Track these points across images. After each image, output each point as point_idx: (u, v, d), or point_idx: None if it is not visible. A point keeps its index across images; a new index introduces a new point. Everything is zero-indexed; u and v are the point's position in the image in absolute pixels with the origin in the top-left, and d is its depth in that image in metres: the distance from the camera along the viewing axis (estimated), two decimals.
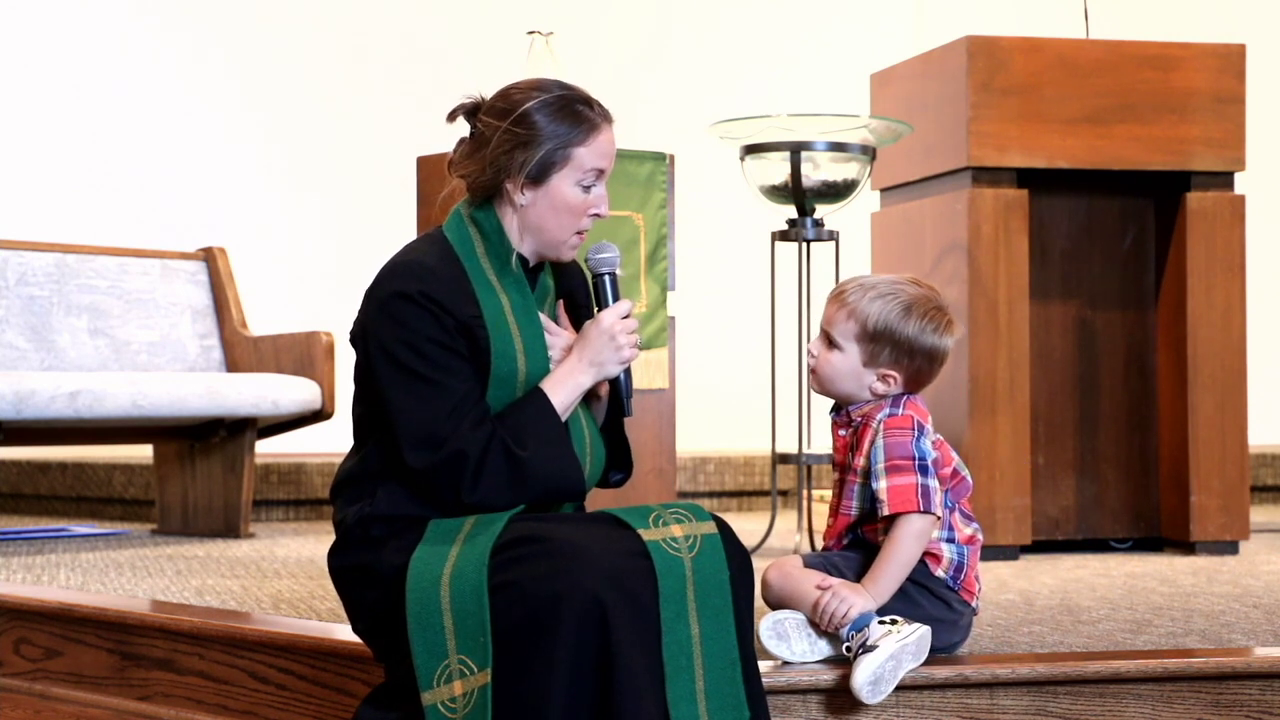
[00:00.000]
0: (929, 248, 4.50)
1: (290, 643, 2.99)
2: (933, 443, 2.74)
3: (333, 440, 5.16)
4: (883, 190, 4.86)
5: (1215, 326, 4.45)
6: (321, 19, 7.27)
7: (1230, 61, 4.47)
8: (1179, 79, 4.43)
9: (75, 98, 6.95)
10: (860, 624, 2.61)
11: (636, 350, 2.57)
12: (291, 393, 4.90)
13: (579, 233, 2.57)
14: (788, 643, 2.68)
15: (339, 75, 7.23)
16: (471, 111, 2.58)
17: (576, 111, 2.53)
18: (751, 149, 4.39)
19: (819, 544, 4.14)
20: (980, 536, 2.82)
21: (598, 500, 2.81)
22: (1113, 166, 4.41)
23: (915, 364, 2.75)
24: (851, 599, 2.63)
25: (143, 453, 5.95)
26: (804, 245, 4.45)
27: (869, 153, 4.38)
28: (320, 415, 5.08)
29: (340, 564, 2.56)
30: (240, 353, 5.26)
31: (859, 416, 2.79)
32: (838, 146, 4.33)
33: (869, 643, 2.58)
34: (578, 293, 2.71)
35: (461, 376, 2.47)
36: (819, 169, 4.35)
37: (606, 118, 2.57)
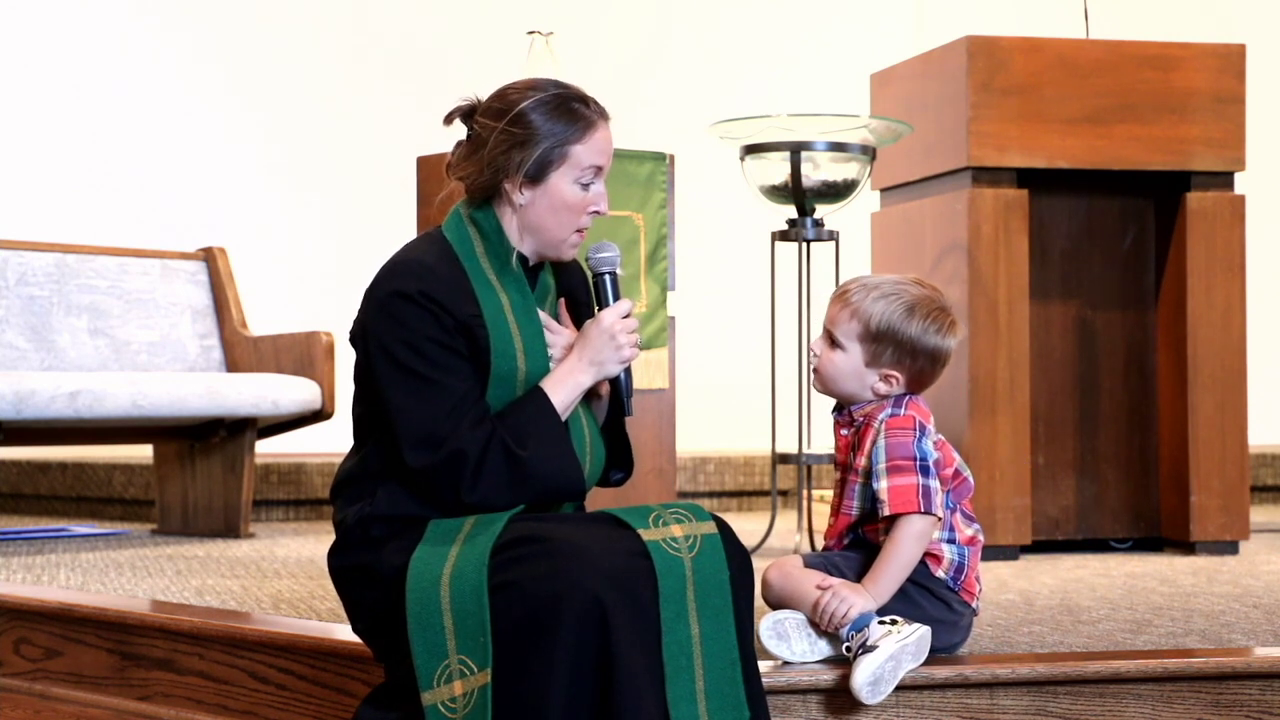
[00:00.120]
0: (929, 248, 4.50)
1: (290, 643, 2.99)
2: (934, 443, 2.74)
3: (333, 440, 5.16)
4: (883, 190, 4.85)
5: (1215, 326, 4.45)
6: (321, 19, 7.27)
7: (1230, 61, 4.47)
8: (1179, 79, 4.43)
9: (75, 98, 6.95)
10: (860, 624, 2.61)
11: (637, 350, 2.57)
12: (291, 393, 4.90)
13: (579, 230, 2.57)
14: (788, 643, 2.68)
15: (339, 75, 7.23)
16: (468, 114, 2.58)
17: (573, 109, 2.53)
18: (751, 149, 4.39)
19: (819, 544, 4.14)
20: (981, 538, 2.82)
21: (598, 500, 2.81)
22: (1113, 166, 4.41)
23: (918, 364, 2.75)
24: (851, 599, 2.62)
25: (143, 453, 5.95)
26: (804, 245, 4.45)
27: (869, 153, 4.38)
28: (320, 415, 5.08)
29: (340, 564, 2.56)
30: (240, 353, 5.26)
31: (861, 416, 2.79)
32: (838, 146, 4.33)
33: (869, 643, 2.58)
34: (578, 291, 2.70)
35: (461, 376, 2.47)
36: (819, 169, 4.35)
37: (603, 115, 2.57)
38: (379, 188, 6.64)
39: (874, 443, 2.73)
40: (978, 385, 4.30)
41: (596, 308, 2.62)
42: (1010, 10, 7.06)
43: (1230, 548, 4.43)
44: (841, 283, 2.83)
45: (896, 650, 2.58)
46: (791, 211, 4.43)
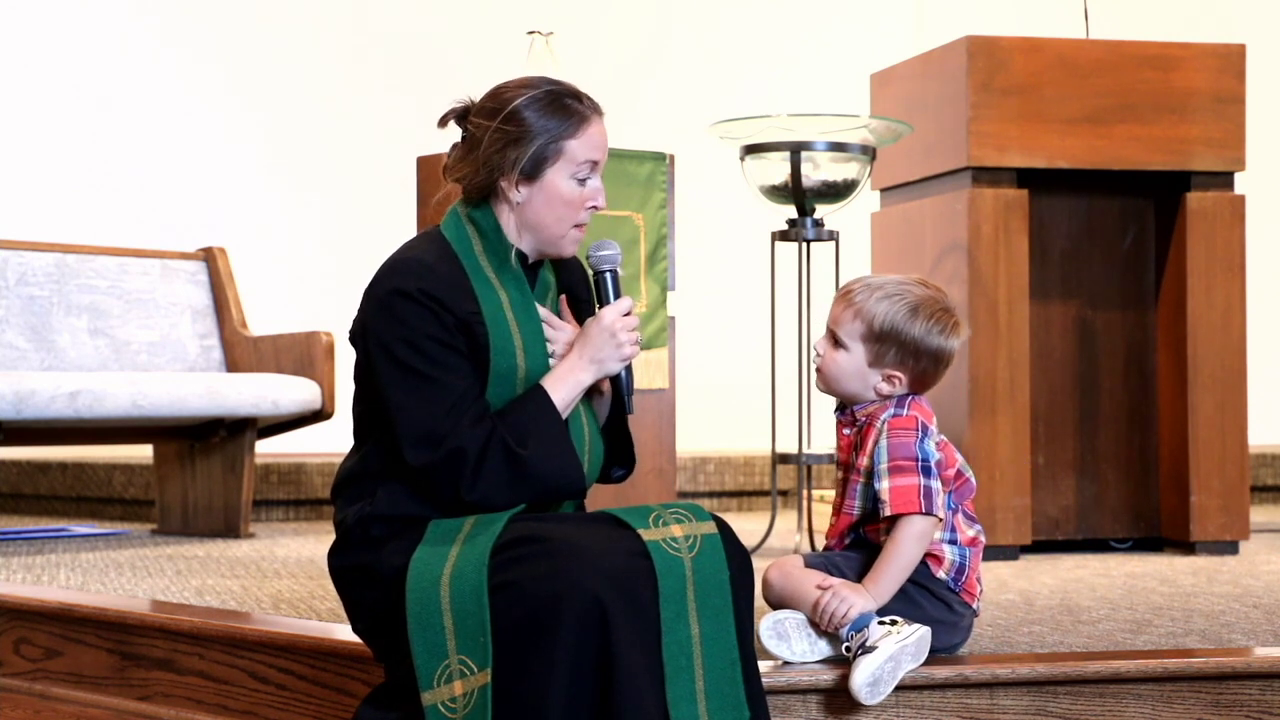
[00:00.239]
0: (929, 248, 4.50)
1: (290, 643, 2.99)
2: (937, 444, 2.74)
3: (333, 440, 5.16)
4: (883, 190, 4.85)
5: (1215, 326, 4.45)
6: (321, 19, 7.27)
7: (1230, 61, 4.47)
8: (1179, 79, 4.43)
9: (75, 98, 6.95)
10: (860, 624, 2.61)
11: (638, 348, 2.57)
12: (291, 393, 4.90)
13: (578, 226, 2.57)
14: (788, 643, 2.68)
15: (339, 75, 7.23)
16: (462, 115, 2.59)
17: (566, 105, 2.53)
18: (751, 149, 4.39)
19: (819, 544, 4.14)
20: (983, 539, 2.82)
21: (598, 500, 2.81)
22: (1113, 166, 4.41)
23: (921, 365, 2.75)
24: (851, 599, 2.62)
25: (143, 453, 5.95)
26: (804, 245, 4.45)
27: (869, 153, 4.38)
28: (320, 415, 5.08)
29: (340, 564, 2.56)
30: (240, 353, 5.26)
31: (863, 416, 2.79)
32: (838, 146, 4.33)
33: (868, 643, 2.58)
34: (578, 288, 2.70)
35: (461, 374, 2.47)
36: (819, 169, 4.35)
37: (596, 110, 2.57)
38: (379, 188, 6.64)
39: (876, 443, 2.73)
40: (978, 385, 4.30)
41: (597, 305, 2.62)
42: (1010, 10, 7.06)
43: (1230, 548, 4.43)
44: (845, 282, 2.83)
45: (896, 651, 2.58)
46: (791, 211, 4.43)
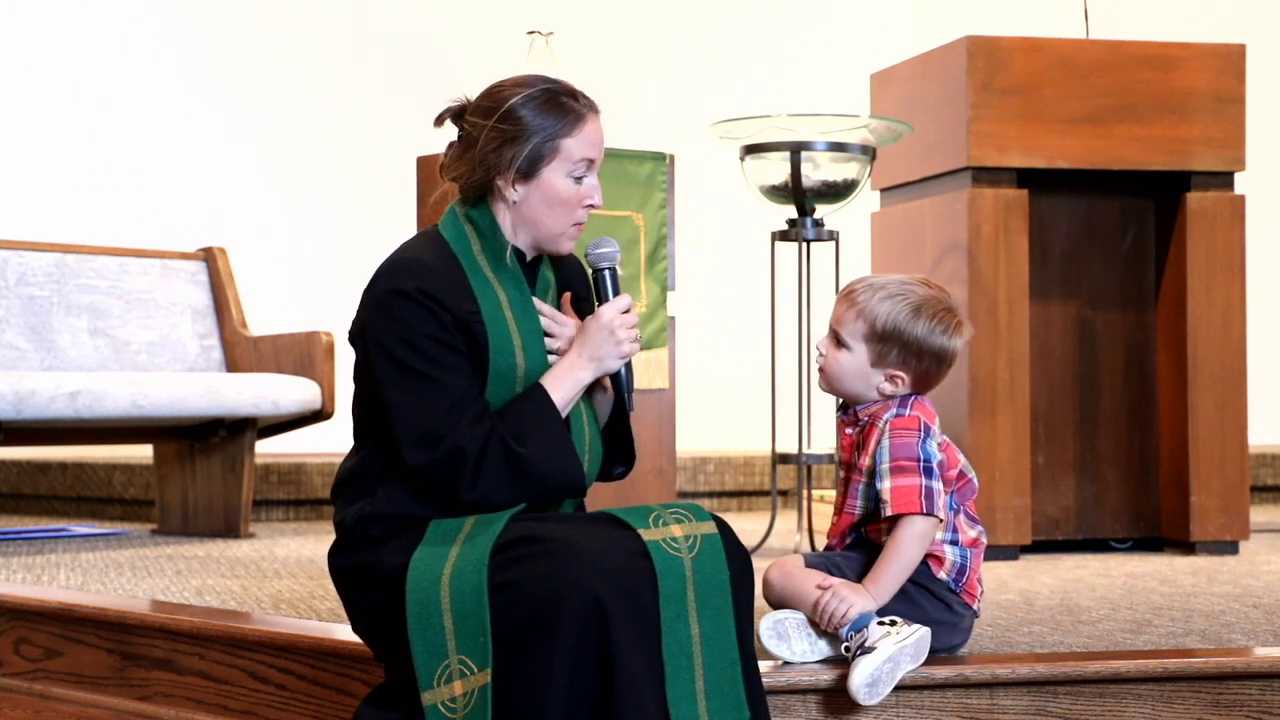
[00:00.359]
0: (929, 248, 4.50)
1: (290, 643, 2.99)
2: (939, 444, 2.74)
3: (333, 440, 5.16)
4: (883, 190, 4.85)
5: (1215, 326, 4.45)
6: (321, 19, 7.27)
7: (1230, 61, 4.47)
8: (1179, 79, 4.43)
9: (75, 98, 6.95)
10: (860, 624, 2.61)
11: (637, 345, 2.57)
12: (291, 393, 4.90)
13: (575, 224, 2.57)
14: (788, 643, 2.68)
15: (339, 75, 7.23)
16: (458, 114, 2.59)
17: (562, 104, 2.53)
18: (751, 149, 4.39)
19: (819, 544, 4.14)
20: (984, 539, 2.82)
21: (598, 499, 2.81)
22: (1113, 166, 4.41)
23: (923, 365, 2.75)
24: (851, 599, 2.62)
25: (143, 453, 5.95)
26: (804, 245, 4.45)
27: (869, 153, 4.38)
28: (320, 415, 5.08)
29: (340, 564, 2.56)
30: (240, 353, 5.26)
31: (866, 416, 2.79)
32: (838, 146, 4.33)
33: (867, 644, 2.58)
34: (578, 286, 2.70)
35: (460, 373, 2.47)
36: (819, 169, 4.35)
37: (592, 108, 2.57)
38: (379, 188, 6.64)
39: (878, 443, 2.73)
40: (978, 385, 4.30)
41: (596, 303, 2.62)
42: (1010, 10, 7.06)
43: (1230, 548, 4.43)
44: (848, 282, 2.83)
45: (895, 652, 2.58)
46: (791, 211, 4.43)
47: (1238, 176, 4.51)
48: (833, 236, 4.44)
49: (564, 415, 2.52)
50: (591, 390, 2.60)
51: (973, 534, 2.79)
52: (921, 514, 2.66)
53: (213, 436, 5.04)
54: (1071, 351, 4.54)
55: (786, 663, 2.67)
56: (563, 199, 2.54)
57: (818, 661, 2.68)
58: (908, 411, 2.75)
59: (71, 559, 4.38)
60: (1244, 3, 7.59)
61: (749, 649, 2.43)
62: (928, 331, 2.73)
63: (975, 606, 2.80)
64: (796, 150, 4.31)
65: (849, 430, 2.83)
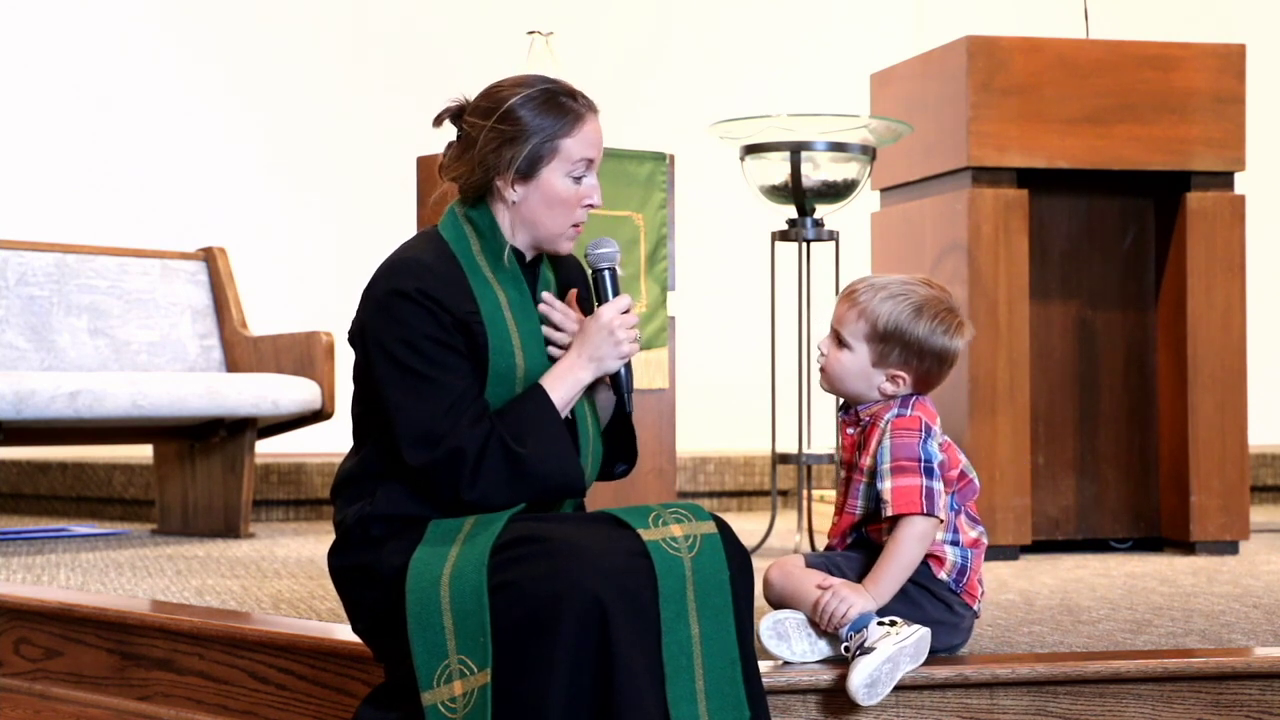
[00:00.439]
0: (929, 248, 4.50)
1: (290, 643, 2.99)
2: (940, 445, 2.74)
3: (333, 440, 5.16)
4: (883, 190, 4.85)
5: (1215, 326, 4.45)
6: (321, 19, 7.27)
7: (1230, 61, 4.47)
8: (1179, 79, 4.43)
9: (75, 98, 6.95)
10: (859, 624, 2.61)
11: (636, 346, 2.57)
12: (291, 393, 4.90)
13: (575, 224, 2.57)
14: (788, 642, 2.68)
15: (339, 75, 7.23)
16: (457, 114, 2.59)
17: (561, 104, 2.53)
18: (751, 149, 4.39)
19: (819, 544, 4.14)
20: (985, 540, 2.82)
21: (598, 499, 2.81)
22: (1113, 166, 4.41)
23: (925, 365, 2.75)
24: (851, 599, 2.62)
25: (143, 453, 5.95)
26: (804, 245, 4.45)
27: (869, 153, 4.38)
28: (320, 415, 5.08)
29: (340, 564, 2.56)
30: (240, 353, 5.26)
31: (867, 416, 2.79)
32: (838, 146, 4.33)
33: (867, 644, 2.58)
34: (577, 286, 2.70)
35: (460, 374, 2.47)
36: (819, 169, 4.35)
37: (591, 108, 2.57)
38: (379, 188, 6.64)
39: (879, 443, 2.73)
40: (978, 385, 4.30)
41: (595, 303, 2.62)
42: (1010, 10, 7.06)
43: (1230, 548, 4.43)
44: (849, 282, 2.83)
45: (894, 652, 2.58)
46: (791, 211, 4.43)
47: (1238, 176, 4.51)
48: (833, 236, 4.44)
49: (564, 415, 2.52)
50: (593, 388, 2.59)
51: (973, 534, 2.79)
52: (922, 514, 2.66)
53: (213, 436, 5.04)
54: (1071, 351, 4.54)
55: (786, 663, 2.67)
56: (562, 199, 2.54)
57: (818, 661, 2.68)
58: (909, 412, 2.75)
59: (71, 559, 4.38)
60: (1244, 3, 7.59)
61: (749, 649, 2.43)
62: (929, 332, 2.72)
63: (976, 607, 2.80)
64: (796, 150, 4.31)
65: (850, 430, 2.83)
